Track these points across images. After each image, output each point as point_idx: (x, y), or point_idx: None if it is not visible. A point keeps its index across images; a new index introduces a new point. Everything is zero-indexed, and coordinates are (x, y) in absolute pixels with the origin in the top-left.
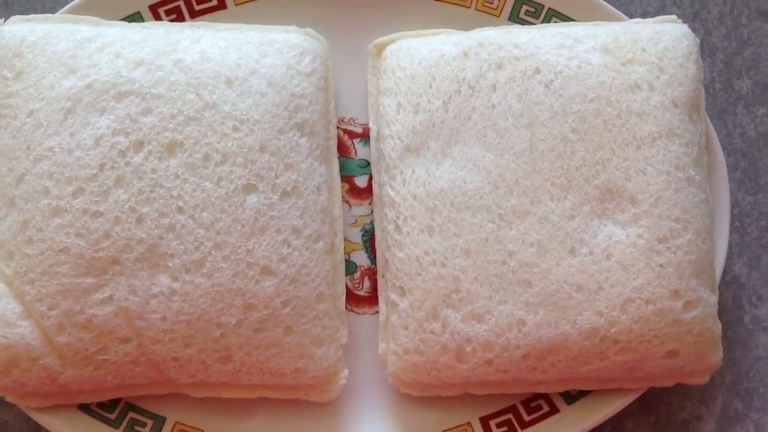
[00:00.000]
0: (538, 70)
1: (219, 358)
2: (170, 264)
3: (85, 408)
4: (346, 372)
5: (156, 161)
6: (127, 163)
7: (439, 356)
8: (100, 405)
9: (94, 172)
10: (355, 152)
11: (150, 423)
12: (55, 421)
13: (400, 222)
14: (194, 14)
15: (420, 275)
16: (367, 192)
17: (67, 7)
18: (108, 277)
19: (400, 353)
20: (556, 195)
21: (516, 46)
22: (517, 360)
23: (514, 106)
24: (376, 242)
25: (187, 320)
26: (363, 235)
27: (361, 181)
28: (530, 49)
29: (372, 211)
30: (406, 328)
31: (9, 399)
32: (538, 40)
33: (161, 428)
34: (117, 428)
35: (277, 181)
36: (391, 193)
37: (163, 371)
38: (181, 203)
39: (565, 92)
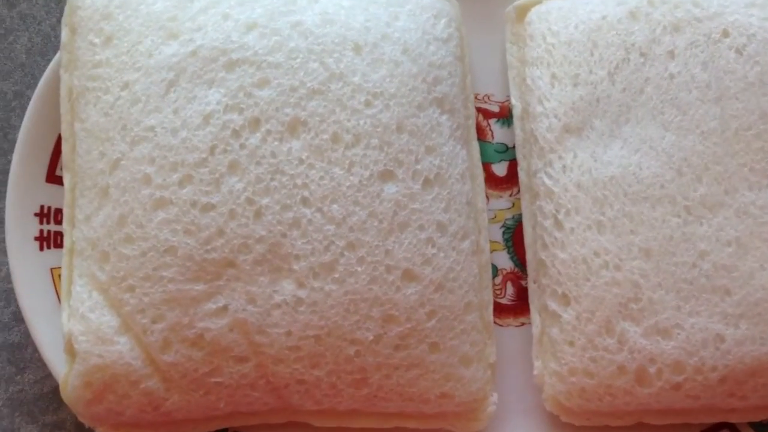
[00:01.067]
0: (726, 33)
1: (352, 382)
2: (295, 267)
3: None
4: (495, 396)
5: (276, 143)
6: (242, 146)
7: (614, 379)
8: None
9: (204, 156)
10: (492, 135)
11: None
12: None
13: (560, 216)
14: None
15: (589, 280)
16: (507, 181)
17: None
18: (222, 283)
19: (564, 374)
20: (757, 183)
21: (696, 5)
22: (712, 384)
23: (699, 76)
24: (525, 241)
25: (315, 335)
26: (504, 233)
27: (499, 169)
28: (714, 8)
29: (513, 204)
30: (572, 344)
31: (100, 430)
32: None
33: None
34: None
35: (418, 167)
36: (548, 182)
37: (285, 396)
38: (306, 193)
39: (762, 59)
